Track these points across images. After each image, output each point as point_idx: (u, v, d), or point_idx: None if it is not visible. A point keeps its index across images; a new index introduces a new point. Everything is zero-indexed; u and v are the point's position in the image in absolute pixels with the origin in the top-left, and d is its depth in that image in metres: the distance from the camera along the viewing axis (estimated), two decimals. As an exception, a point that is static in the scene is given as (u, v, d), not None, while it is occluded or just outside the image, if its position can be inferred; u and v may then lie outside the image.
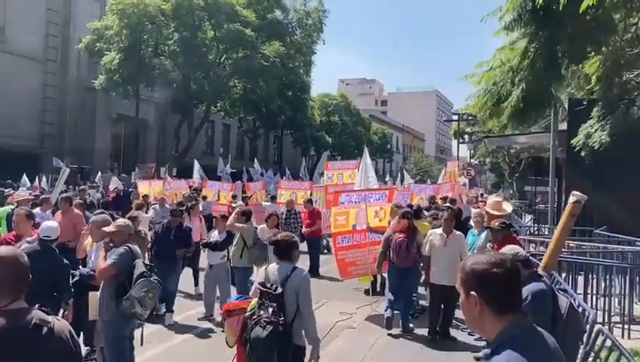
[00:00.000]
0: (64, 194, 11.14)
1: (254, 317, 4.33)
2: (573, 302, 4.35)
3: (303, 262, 13.49)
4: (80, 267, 6.76)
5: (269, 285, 4.37)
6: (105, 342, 5.37)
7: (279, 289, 4.29)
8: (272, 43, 32.84)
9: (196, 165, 23.63)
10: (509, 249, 4.47)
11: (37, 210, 11.12)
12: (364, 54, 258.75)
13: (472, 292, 1.94)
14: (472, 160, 51.96)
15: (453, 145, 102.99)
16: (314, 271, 13.23)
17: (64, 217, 9.72)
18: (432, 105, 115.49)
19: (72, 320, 5.80)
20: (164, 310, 8.50)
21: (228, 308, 4.85)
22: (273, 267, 4.50)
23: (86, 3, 34.99)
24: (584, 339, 4.27)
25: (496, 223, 6.88)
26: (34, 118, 32.81)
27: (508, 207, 8.65)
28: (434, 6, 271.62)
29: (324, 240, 15.21)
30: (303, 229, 13.29)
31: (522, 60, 8.60)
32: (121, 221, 5.74)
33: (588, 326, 4.47)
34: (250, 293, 5.20)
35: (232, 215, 8.84)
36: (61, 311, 5.68)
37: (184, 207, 15.61)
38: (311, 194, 16.05)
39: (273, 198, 16.62)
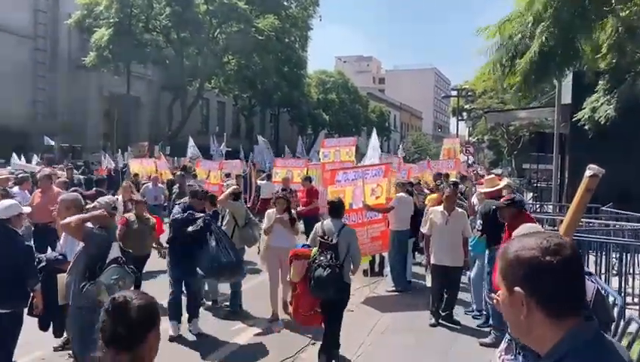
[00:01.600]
0: (44, 172, 10.54)
1: (316, 261, 5.74)
2: (599, 287, 3.83)
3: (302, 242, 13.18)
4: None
5: (326, 237, 5.89)
6: (73, 331, 4.86)
7: (335, 240, 5.85)
8: (267, 17, 31.96)
9: (190, 142, 23.02)
10: (527, 228, 3.93)
11: (16, 189, 10.63)
12: (360, 31, 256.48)
13: (517, 289, 1.38)
14: (470, 137, 51.43)
15: (451, 123, 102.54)
16: (310, 251, 12.80)
17: (43, 196, 9.19)
18: (430, 83, 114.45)
19: (42, 308, 5.34)
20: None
21: (295, 253, 6.07)
22: (328, 223, 6.10)
23: (75, -23, 34.02)
24: (612, 329, 3.77)
25: (503, 200, 6.34)
26: (24, 96, 32.11)
27: (503, 182, 8.10)
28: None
29: (321, 219, 14.70)
30: (299, 208, 12.77)
31: (545, 9, 7.67)
32: (104, 200, 5.20)
33: (616, 313, 3.96)
34: (309, 241, 6.42)
35: (226, 192, 8.32)
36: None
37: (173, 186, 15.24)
38: (307, 172, 15.52)
39: (269, 177, 16.08)
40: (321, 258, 5.73)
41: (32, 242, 9.31)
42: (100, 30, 28.97)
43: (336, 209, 6.25)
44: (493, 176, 8.48)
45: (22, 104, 31.83)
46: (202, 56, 30.38)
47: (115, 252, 4.61)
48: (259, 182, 15.46)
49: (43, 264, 5.30)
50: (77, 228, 4.56)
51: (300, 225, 13.70)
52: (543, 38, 7.61)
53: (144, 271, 7.73)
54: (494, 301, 1.56)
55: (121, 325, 1.94)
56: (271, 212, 7.72)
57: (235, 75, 34.04)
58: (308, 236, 12.56)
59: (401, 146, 29.98)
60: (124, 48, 28.56)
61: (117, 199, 9.32)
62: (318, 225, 6.27)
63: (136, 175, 17.31)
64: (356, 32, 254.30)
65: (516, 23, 8.53)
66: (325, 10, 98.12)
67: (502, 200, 6.31)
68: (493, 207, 6.40)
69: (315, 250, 5.94)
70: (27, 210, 5.51)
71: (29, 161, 21.67)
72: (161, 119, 38.31)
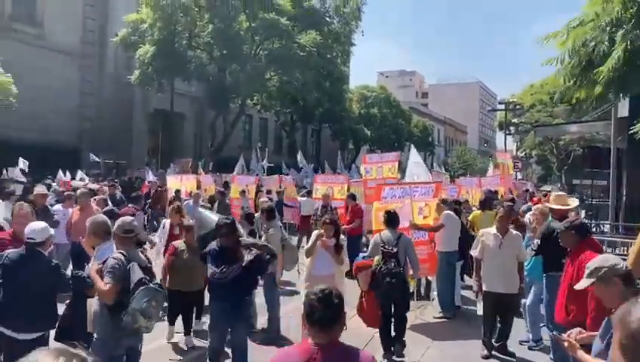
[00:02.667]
0: (83, 189, 10.44)
1: (382, 269, 6.69)
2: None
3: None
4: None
5: (387, 247, 6.81)
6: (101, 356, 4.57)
7: (394, 249, 6.81)
8: (309, 32, 31.86)
9: (241, 160, 22.96)
10: (601, 260, 3.40)
11: (58, 206, 10.56)
12: (403, 46, 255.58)
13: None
14: (517, 152, 50.06)
15: (497, 138, 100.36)
16: (352, 271, 12.31)
17: (82, 214, 9.03)
18: (475, 97, 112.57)
19: (70, 322, 5.13)
20: None
21: (358, 266, 6.86)
22: (386, 233, 7.08)
23: (122, -4, 34.87)
24: None
25: (564, 223, 5.74)
26: (72, 113, 32.90)
27: (573, 202, 7.46)
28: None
29: (364, 238, 14.27)
30: (342, 226, 12.36)
31: (625, 9, 6.85)
32: (119, 222, 4.94)
33: None
34: (368, 252, 7.13)
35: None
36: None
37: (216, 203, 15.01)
38: (348, 189, 15.10)
39: (309, 193, 15.70)
40: (386, 266, 6.74)
41: (70, 260, 9.27)
42: (145, 47, 29.45)
43: (392, 219, 7.20)
44: (562, 193, 7.82)
45: (70, 121, 32.62)
46: (244, 72, 30.49)
47: (137, 273, 4.35)
48: (299, 198, 15.12)
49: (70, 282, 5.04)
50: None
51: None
52: (628, 42, 6.75)
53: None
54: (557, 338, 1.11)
55: (329, 309, 2.59)
56: (317, 231, 7.10)
57: (277, 91, 34.05)
58: (350, 256, 12.19)
59: (436, 163, 29.17)
60: (167, 65, 28.92)
61: (163, 224, 9.04)
62: (377, 236, 7.23)
63: (177, 191, 17.19)
64: (399, 47, 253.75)
65: (589, 27, 7.64)
66: (368, 26, 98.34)
67: (563, 222, 5.74)
68: (558, 228, 5.80)
69: (377, 258, 6.81)
70: (52, 232, 5.28)
71: (73, 177, 21.99)
72: (205, 135, 38.67)
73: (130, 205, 11.01)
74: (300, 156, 29.01)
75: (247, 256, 5.53)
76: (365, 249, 14.43)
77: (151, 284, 4.38)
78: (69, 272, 5.28)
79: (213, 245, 5.60)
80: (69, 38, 32.57)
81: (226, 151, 31.97)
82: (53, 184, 18.97)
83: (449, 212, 9.02)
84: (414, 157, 13.74)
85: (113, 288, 4.35)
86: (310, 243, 7.09)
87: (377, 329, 6.92)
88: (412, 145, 15.47)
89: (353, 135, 46.21)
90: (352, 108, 44.86)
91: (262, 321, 7.66)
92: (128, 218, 4.94)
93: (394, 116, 52.88)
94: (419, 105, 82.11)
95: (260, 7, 29.90)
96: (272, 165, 28.09)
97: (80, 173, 23.26)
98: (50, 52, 30.92)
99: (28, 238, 4.77)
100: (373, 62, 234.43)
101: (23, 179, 19.92)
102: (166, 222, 9.03)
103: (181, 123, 38.04)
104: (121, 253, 4.45)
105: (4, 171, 22.64)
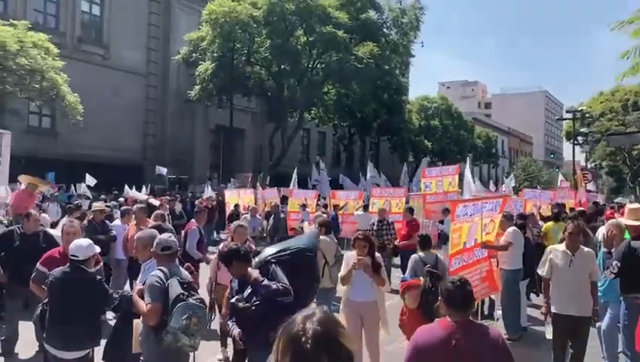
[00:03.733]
0: (140, 205, 10.53)
1: (432, 289, 6.00)
2: None
3: (399, 278, 12.26)
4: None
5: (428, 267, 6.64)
6: None
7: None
8: (366, 44, 31.65)
9: (296, 173, 22.96)
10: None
11: (118, 222, 10.69)
12: (464, 56, 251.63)
13: None
14: (587, 163, 47.91)
15: (565, 148, 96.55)
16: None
17: (138, 229, 9.08)
18: (540, 106, 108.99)
19: (118, 341, 5.04)
20: None
21: (407, 285, 6.46)
22: (425, 255, 6.95)
23: (185, 16, 35.87)
24: None
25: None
26: (137, 130, 34.00)
27: (655, 217, 6.77)
28: (538, 2, 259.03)
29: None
30: (397, 241, 11.94)
31: None
32: (143, 234, 4.86)
33: None
34: (408, 272, 6.91)
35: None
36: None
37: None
38: (407, 203, 14.67)
39: (366, 207, 15.33)
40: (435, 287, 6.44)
41: (127, 275, 9.33)
42: (204, 63, 30.07)
43: (426, 242, 7.24)
44: (637, 206, 7.16)
45: (135, 137, 33.71)
46: (302, 86, 30.59)
47: (175, 289, 4.18)
48: (355, 213, 14.81)
49: (117, 302, 4.95)
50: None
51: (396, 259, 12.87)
52: None
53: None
54: None
55: (465, 294, 3.36)
56: (350, 255, 6.41)
57: (335, 104, 33.96)
58: (404, 270, 11.75)
59: (512, 175, 28.11)
60: (226, 81, 29.41)
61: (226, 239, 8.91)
62: (415, 256, 6.94)
63: (236, 205, 17.29)
64: (460, 58, 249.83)
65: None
66: (428, 37, 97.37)
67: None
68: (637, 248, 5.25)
69: (425, 279, 6.44)
70: (98, 250, 5.24)
71: (139, 191, 22.56)
72: (264, 150, 39.08)
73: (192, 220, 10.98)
74: (370, 166, 28.68)
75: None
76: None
77: (190, 300, 4.18)
78: (127, 288, 5.24)
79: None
80: (134, 58, 33.77)
81: (285, 165, 32.09)
82: (120, 199, 19.47)
83: (515, 228, 8.49)
84: (469, 174, 13.23)
85: (153, 308, 4.20)
86: (343, 268, 6.35)
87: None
88: (467, 161, 14.93)
89: (413, 147, 45.52)
90: (411, 119, 44.22)
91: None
92: (166, 234, 4.81)
93: (456, 127, 51.77)
94: (482, 116, 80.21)
95: (317, 21, 29.99)
96: (329, 179, 27.95)
97: (144, 189, 23.88)
98: (115, 72, 32.14)
99: (72, 256, 4.73)
100: (434, 74, 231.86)
101: (90, 195, 20.63)
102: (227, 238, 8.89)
103: (241, 138, 38.61)
104: (161, 270, 4.31)
105: (72, 187, 23.56)
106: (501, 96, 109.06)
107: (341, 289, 6.96)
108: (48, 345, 4.74)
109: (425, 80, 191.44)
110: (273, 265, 4.60)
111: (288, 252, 4.80)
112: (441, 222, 14.15)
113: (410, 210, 12.55)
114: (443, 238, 11.92)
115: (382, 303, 6.28)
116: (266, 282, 4.40)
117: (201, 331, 4.32)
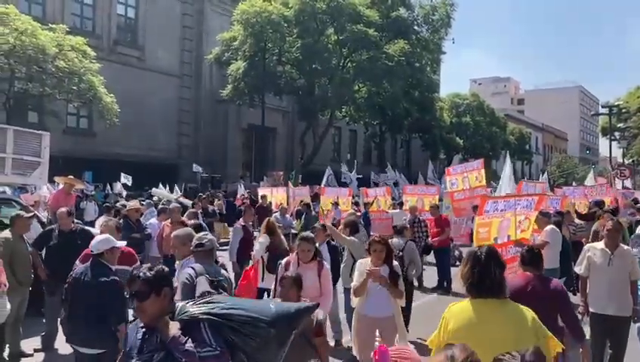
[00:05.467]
0: (174, 203, 10.71)
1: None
2: None
3: (432, 276, 12.21)
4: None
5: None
6: None
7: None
8: (397, 42, 31.51)
9: (328, 171, 23.02)
10: None
11: (154, 220, 10.90)
12: (496, 52, 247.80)
13: None
14: (624, 159, 46.73)
15: (601, 144, 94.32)
16: (444, 285, 11.78)
17: (173, 227, 9.24)
18: (575, 102, 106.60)
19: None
20: None
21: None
22: (395, 241, 7.45)
23: (217, 17, 36.29)
24: None
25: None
26: (171, 130, 34.56)
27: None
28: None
29: (456, 251, 13.67)
30: (429, 239, 11.89)
31: None
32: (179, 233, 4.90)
33: None
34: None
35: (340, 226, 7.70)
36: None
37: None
38: (440, 200, 14.55)
39: (400, 205, 15.23)
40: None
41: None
42: (236, 63, 30.37)
43: (398, 231, 8.18)
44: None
45: (169, 137, 34.28)
46: (333, 85, 30.64)
47: (202, 286, 4.18)
48: (389, 211, 14.73)
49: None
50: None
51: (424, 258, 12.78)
52: None
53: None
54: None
55: (533, 255, 4.66)
56: (364, 262, 5.51)
57: (365, 103, 33.92)
58: (441, 269, 11.69)
59: (547, 173, 27.64)
60: (258, 80, 29.65)
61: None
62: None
63: (263, 196, 17.51)
64: (492, 54, 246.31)
65: None
66: (460, 34, 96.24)
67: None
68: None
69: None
70: (121, 244, 5.34)
71: (171, 191, 22.91)
72: (295, 148, 39.27)
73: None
74: (389, 168, 28.62)
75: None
76: (457, 263, 13.89)
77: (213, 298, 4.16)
78: None
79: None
80: (168, 59, 34.35)
81: (316, 164, 32.19)
82: (154, 198, 19.80)
83: (552, 226, 8.35)
84: (509, 170, 12.97)
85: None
86: (356, 278, 5.46)
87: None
88: (507, 157, 14.67)
89: (445, 144, 45.10)
90: (443, 117, 43.82)
91: (347, 339, 7.39)
92: (203, 232, 4.88)
93: (488, 124, 51.13)
94: (514, 113, 78.97)
95: (348, 19, 29.98)
96: (360, 176, 27.91)
97: (177, 188, 24.25)
98: (150, 73, 32.74)
99: (91, 251, 4.86)
100: (465, 70, 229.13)
101: (124, 194, 21.04)
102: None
103: (273, 137, 38.93)
104: (192, 268, 4.36)
105: (108, 187, 24.09)
106: (534, 92, 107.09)
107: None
108: (68, 342, 4.86)
109: (456, 77, 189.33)
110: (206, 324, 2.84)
111: (236, 320, 2.87)
112: (473, 219, 14.01)
113: (436, 208, 12.54)
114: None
115: (399, 317, 5.51)
116: (189, 346, 2.73)
117: None
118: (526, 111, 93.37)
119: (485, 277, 3.12)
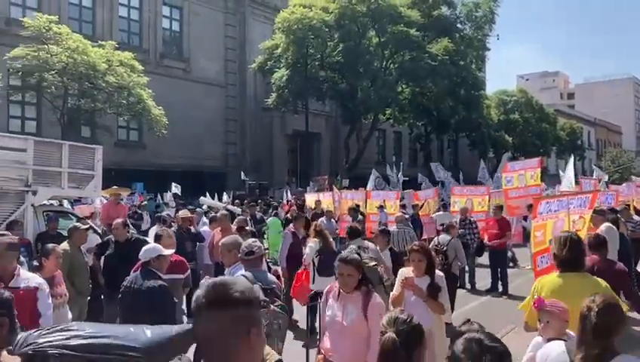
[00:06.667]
0: (223, 211, 10.89)
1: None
2: None
3: (485, 278, 11.96)
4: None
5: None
6: None
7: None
8: (440, 41, 31.15)
9: (374, 173, 22.91)
10: None
11: (206, 228, 11.10)
12: (542, 46, 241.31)
13: None
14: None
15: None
16: (497, 288, 11.52)
17: (223, 234, 9.38)
18: (629, 94, 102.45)
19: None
20: None
21: None
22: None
23: (259, 26, 36.75)
24: None
25: None
26: (218, 139, 35.17)
27: None
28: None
29: (509, 252, 13.39)
30: (487, 241, 11.70)
31: None
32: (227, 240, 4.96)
33: None
34: None
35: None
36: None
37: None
38: (489, 200, 14.26)
39: (445, 207, 15.04)
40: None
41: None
42: (280, 71, 30.65)
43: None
44: None
45: (216, 146, 34.89)
46: (375, 87, 30.56)
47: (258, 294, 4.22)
48: (433, 215, 14.55)
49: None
50: None
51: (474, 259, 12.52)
52: None
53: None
54: None
55: (599, 241, 5.49)
56: (406, 271, 5.15)
57: (410, 104, 33.64)
58: (498, 271, 11.45)
59: (596, 168, 26.73)
60: (301, 87, 29.84)
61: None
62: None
63: (321, 209, 17.48)
64: (538, 48, 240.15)
65: None
66: (504, 29, 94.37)
67: None
68: None
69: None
70: (169, 252, 5.45)
71: (220, 199, 23.29)
72: (339, 152, 39.31)
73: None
74: (434, 167, 28.18)
75: None
76: (511, 264, 13.58)
77: (271, 306, 4.20)
78: None
79: None
80: (213, 70, 35.02)
81: (361, 167, 32.12)
82: (204, 206, 20.14)
83: (609, 224, 8.06)
84: (570, 172, 12.64)
85: None
86: (395, 287, 5.15)
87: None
88: (571, 158, 14.28)
89: (493, 143, 44.26)
90: (490, 114, 43.00)
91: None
92: (251, 239, 4.93)
93: (537, 120, 49.97)
94: (565, 107, 76.69)
95: (389, 21, 29.85)
96: (407, 178, 27.65)
97: (225, 196, 24.63)
98: (196, 84, 33.44)
99: (139, 259, 5.00)
100: (511, 66, 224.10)
101: (174, 203, 21.49)
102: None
103: (317, 142, 39.09)
104: (244, 276, 4.41)
105: (159, 196, 24.68)
106: (585, 86, 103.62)
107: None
108: None
109: (502, 73, 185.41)
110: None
111: (98, 352, 2.41)
112: (525, 218, 13.70)
113: (500, 208, 12.27)
114: (527, 235, 11.54)
115: (440, 332, 4.86)
116: None
117: (281, 337, 4.30)
118: (577, 106, 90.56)
119: (571, 256, 4.05)
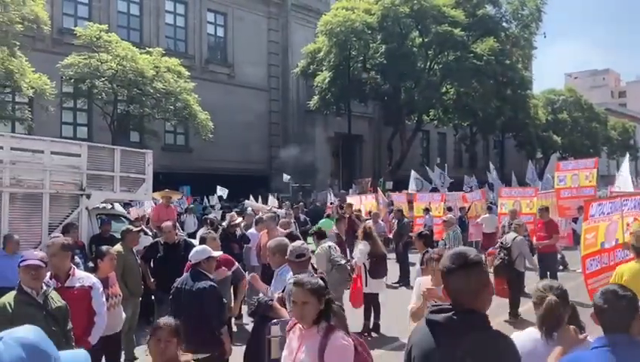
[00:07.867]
0: (269, 213, 11.02)
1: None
2: None
3: (535, 281, 11.68)
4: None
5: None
6: None
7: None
8: (485, 40, 30.64)
9: (413, 175, 22.73)
10: None
11: (252, 230, 11.26)
12: (591, 43, 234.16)
13: None
14: None
15: None
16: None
17: (269, 236, 9.50)
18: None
19: (228, 353, 5.28)
20: None
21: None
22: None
23: (301, 29, 36.96)
24: None
25: None
26: (262, 142, 35.54)
27: None
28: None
29: (559, 255, 13.05)
30: (535, 242, 11.44)
31: None
32: (273, 242, 5.01)
33: None
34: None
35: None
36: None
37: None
38: (536, 203, 13.94)
39: (490, 208, 14.76)
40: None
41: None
42: (322, 73, 30.74)
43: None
44: None
45: (261, 149, 35.27)
46: (419, 88, 30.29)
47: None
48: (480, 217, 14.33)
49: (252, 308, 5.22)
50: None
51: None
52: None
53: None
54: None
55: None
56: (425, 280, 4.91)
57: (454, 104, 33.21)
58: (548, 273, 11.18)
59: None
60: (343, 89, 29.86)
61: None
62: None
63: (358, 210, 17.45)
64: (587, 45, 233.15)
65: None
66: (551, 27, 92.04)
67: None
68: None
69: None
70: (217, 254, 5.57)
71: (264, 201, 23.51)
72: (382, 155, 39.12)
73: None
74: (491, 168, 27.72)
75: None
76: (561, 267, 13.24)
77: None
78: (255, 298, 5.44)
79: None
80: (256, 74, 35.40)
81: (404, 169, 31.90)
82: (249, 209, 20.39)
83: (662, 224, 7.73)
84: (626, 172, 12.24)
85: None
86: (413, 298, 4.87)
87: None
88: (626, 158, 13.81)
89: (541, 143, 43.18)
90: (537, 114, 41.98)
91: None
92: (299, 242, 4.99)
93: (586, 120, 48.50)
94: (616, 106, 74.17)
95: (433, 21, 29.57)
96: (452, 180, 27.32)
97: (271, 198, 24.85)
98: (240, 88, 33.88)
99: (190, 261, 5.13)
100: (559, 65, 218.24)
101: (219, 206, 21.84)
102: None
103: (359, 144, 38.99)
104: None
105: (206, 199, 25.12)
106: (637, 83, 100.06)
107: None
108: None
109: (550, 72, 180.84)
110: None
111: None
112: (575, 220, 13.33)
113: (546, 210, 11.96)
114: (577, 238, 11.23)
115: None
116: None
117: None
118: (629, 104, 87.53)
119: None
